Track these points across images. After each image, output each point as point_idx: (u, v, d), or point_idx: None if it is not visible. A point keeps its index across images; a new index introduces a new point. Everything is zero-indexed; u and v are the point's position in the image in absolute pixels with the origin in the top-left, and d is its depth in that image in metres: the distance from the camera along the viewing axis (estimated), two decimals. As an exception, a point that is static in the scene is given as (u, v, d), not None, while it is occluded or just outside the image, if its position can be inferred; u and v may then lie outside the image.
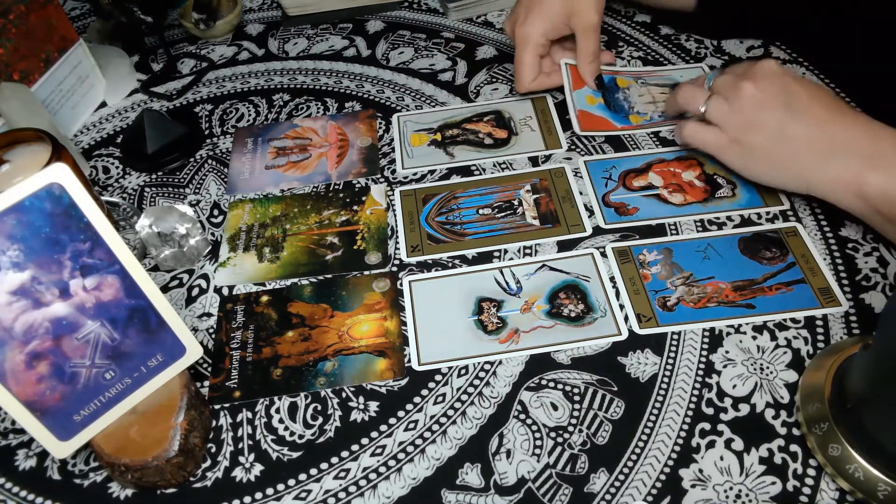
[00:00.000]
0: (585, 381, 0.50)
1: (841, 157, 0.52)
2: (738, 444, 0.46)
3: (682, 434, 0.47)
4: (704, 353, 0.51)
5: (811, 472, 0.45)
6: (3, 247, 0.40)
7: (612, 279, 0.56)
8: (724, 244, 0.57)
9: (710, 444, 0.46)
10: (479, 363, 0.52)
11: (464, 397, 0.50)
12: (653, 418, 0.48)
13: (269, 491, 0.47)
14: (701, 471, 0.45)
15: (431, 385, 0.51)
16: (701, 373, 0.50)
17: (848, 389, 0.43)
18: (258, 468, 0.48)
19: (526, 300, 0.55)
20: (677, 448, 0.46)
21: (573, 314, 0.54)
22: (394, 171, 0.66)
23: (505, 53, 0.78)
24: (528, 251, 0.58)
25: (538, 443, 0.47)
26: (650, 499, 0.44)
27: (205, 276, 0.59)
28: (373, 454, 0.48)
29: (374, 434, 0.49)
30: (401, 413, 0.50)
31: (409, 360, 0.52)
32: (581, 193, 0.62)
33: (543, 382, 0.50)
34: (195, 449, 0.47)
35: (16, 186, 0.40)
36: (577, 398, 0.49)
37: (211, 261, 0.61)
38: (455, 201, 0.63)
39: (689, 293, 0.54)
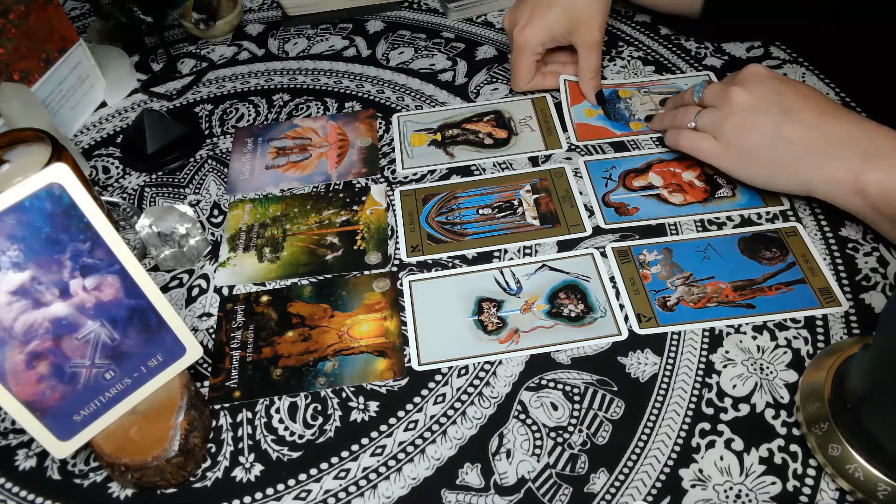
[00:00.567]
0: (585, 381, 0.50)
1: (839, 156, 0.52)
2: (738, 444, 0.46)
3: (682, 434, 0.47)
4: (704, 353, 0.51)
5: (811, 472, 0.45)
6: (3, 247, 0.40)
7: (612, 279, 0.56)
8: (724, 244, 0.57)
9: (710, 444, 0.46)
10: (479, 363, 0.52)
11: (464, 397, 0.50)
12: (653, 418, 0.48)
13: (269, 491, 0.47)
14: (701, 471, 0.45)
15: (431, 385, 0.51)
16: (701, 373, 0.50)
17: (848, 389, 0.43)
18: (258, 468, 0.48)
19: (526, 300, 0.55)
20: (677, 448, 0.46)
21: (573, 314, 0.54)
22: (394, 171, 0.66)
23: (505, 53, 0.78)
24: (528, 251, 0.58)
25: (538, 443, 0.47)
26: (650, 499, 0.44)
27: (205, 276, 0.59)
28: (373, 454, 0.48)
29: (374, 434, 0.49)
30: (401, 413, 0.50)
31: (409, 360, 0.52)
32: (581, 193, 0.62)
33: (543, 382, 0.50)
34: (195, 449, 0.47)
35: (16, 186, 0.40)
36: (577, 398, 0.49)
37: (211, 261, 0.61)
38: (455, 201, 0.63)
39: (689, 293, 0.54)
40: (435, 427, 0.49)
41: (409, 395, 0.51)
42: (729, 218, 0.59)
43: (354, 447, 0.48)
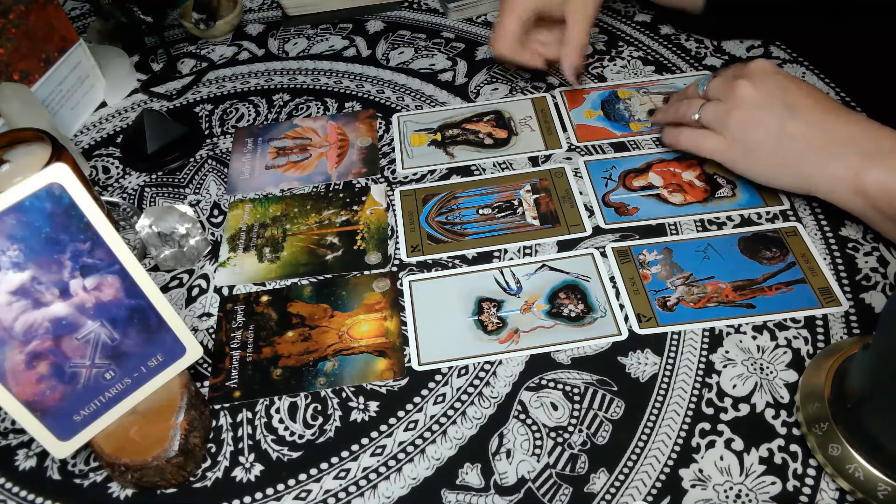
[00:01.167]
0: (585, 381, 0.50)
1: (841, 155, 0.52)
2: (738, 444, 0.46)
3: (682, 434, 0.47)
4: (704, 353, 0.51)
5: (811, 472, 0.45)
6: (3, 247, 0.40)
7: (612, 279, 0.56)
8: (724, 244, 0.57)
9: (710, 444, 0.46)
10: (479, 363, 0.52)
11: (464, 397, 0.50)
12: (653, 418, 0.48)
13: (269, 491, 0.47)
14: (701, 471, 0.45)
15: (431, 385, 0.51)
16: (701, 373, 0.50)
17: (848, 389, 0.43)
18: (258, 468, 0.48)
19: (526, 300, 0.55)
20: (677, 448, 0.46)
21: (573, 314, 0.54)
22: (394, 171, 0.66)
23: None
24: (528, 251, 0.58)
25: (538, 443, 0.47)
26: (650, 499, 0.44)
27: (205, 276, 0.59)
28: (373, 454, 0.48)
29: (374, 434, 0.49)
30: (401, 413, 0.50)
31: (409, 360, 0.52)
32: (581, 193, 0.62)
33: (543, 382, 0.50)
34: (195, 449, 0.47)
35: (16, 186, 0.40)
36: (577, 398, 0.49)
37: (211, 261, 0.61)
38: (455, 201, 0.63)
39: (689, 293, 0.54)
40: (435, 427, 0.49)
41: (409, 395, 0.51)
42: (729, 218, 0.59)
43: (354, 447, 0.48)
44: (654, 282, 0.55)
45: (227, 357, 0.54)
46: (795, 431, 0.46)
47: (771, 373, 0.49)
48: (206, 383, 0.52)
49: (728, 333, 0.52)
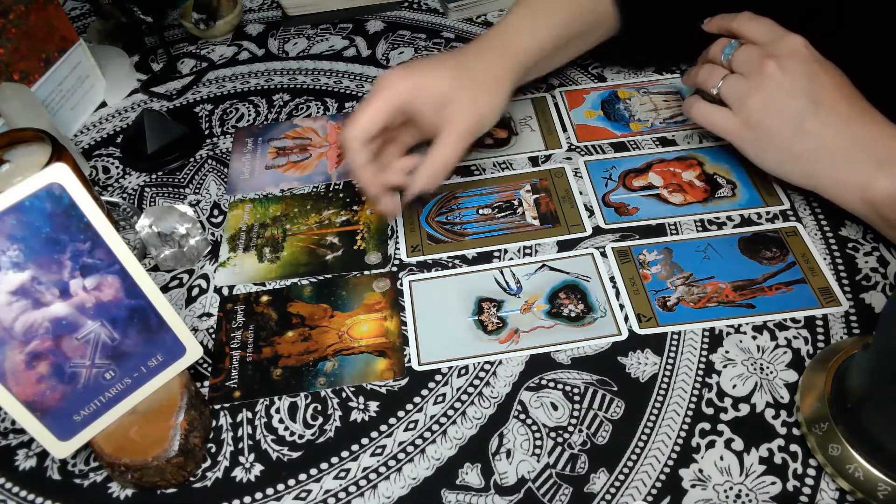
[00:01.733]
0: (585, 381, 0.50)
1: (853, 160, 0.51)
2: (738, 444, 0.46)
3: (682, 434, 0.47)
4: (704, 353, 0.51)
5: (811, 472, 0.45)
6: (3, 247, 0.40)
7: (612, 279, 0.56)
8: (724, 244, 0.57)
9: (710, 444, 0.46)
10: (479, 363, 0.52)
11: (464, 397, 0.50)
12: (653, 418, 0.48)
13: (269, 491, 0.47)
14: (701, 471, 0.45)
15: (431, 385, 0.51)
16: (701, 373, 0.50)
17: (848, 389, 0.43)
18: (258, 468, 0.48)
19: (526, 300, 0.55)
20: (677, 448, 0.46)
21: (573, 314, 0.54)
22: (394, 171, 0.66)
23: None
24: (528, 251, 0.58)
25: (538, 443, 0.47)
26: (650, 499, 0.44)
27: (205, 276, 0.59)
28: (373, 454, 0.48)
29: (374, 434, 0.49)
30: (401, 413, 0.50)
31: (409, 360, 0.52)
32: (581, 193, 0.62)
33: (543, 382, 0.50)
34: (195, 449, 0.47)
35: (16, 186, 0.40)
36: (577, 398, 0.49)
37: (211, 261, 0.61)
38: (455, 201, 0.63)
39: (689, 293, 0.54)
40: (435, 427, 0.49)
41: (409, 395, 0.51)
42: (729, 218, 0.59)
43: (354, 447, 0.48)
44: (654, 282, 0.55)
45: (227, 357, 0.54)
46: (795, 431, 0.46)
47: (771, 373, 0.49)
48: (206, 383, 0.52)
49: (728, 333, 0.52)
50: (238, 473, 0.48)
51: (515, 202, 0.62)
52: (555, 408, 0.49)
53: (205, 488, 0.47)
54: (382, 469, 0.47)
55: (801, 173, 0.54)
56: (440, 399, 0.50)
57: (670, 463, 0.46)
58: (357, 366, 0.52)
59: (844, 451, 0.42)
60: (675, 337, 0.52)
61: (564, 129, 0.68)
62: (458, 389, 0.51)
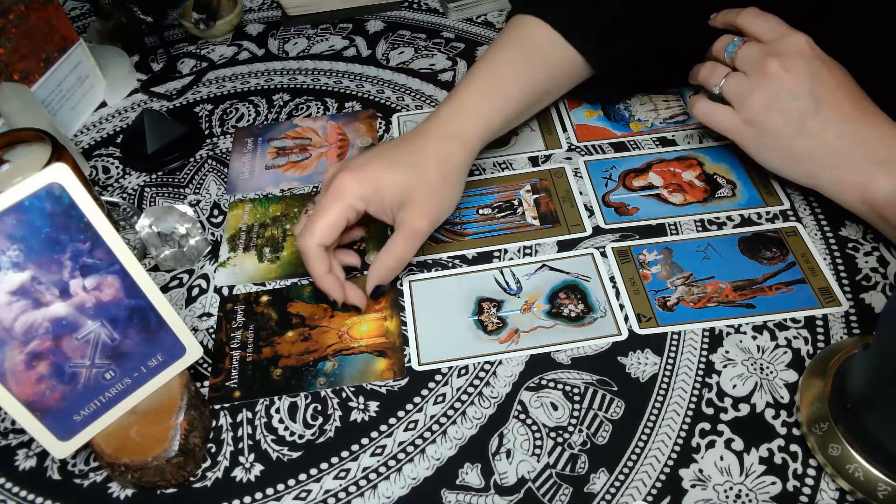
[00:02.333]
0: (585, 381, 0.50)
1: (854, 161, 0.51)
2: (738, 444, 0.46)
3: (682, 434, 0.47)
4: (704, 353, 0.51)
5: (811, 472, 0.45)
6: (3, 247, 0.40)
7: (612, 279, 0.56)
8: (724, 244, 0.57)
9: (710, 444, 0.46)
10: (479, 363, 0.52)
11: (464, 397, 0.50)
12: (653, 418, 0.48)
13: (269, 491, 0.47)
14: (701, 471, 0.45)
15: (431, 385, 0.51)
16: (701, 373, 0.50)
17: (848, 389, 0.43)
18: (258, 468, 0.48)
19: (526, 300, 0.55)
20: (677, 448, 0.46)
21: (573, 314, 0.54)
22: (394, 171, 0.66)
23: (505, 53, 0.78)
24: (528, 251, 0.58)
25: (538, 443, 0.47)
26: (650, 499, 0.44)
27: (205, 276, 0.59)
28: (373, 454, 0.48)
29: (374, 434, 0.49)
30: (401, 413, 0.50)
31: (409, 360, 0.52)
32: (581, 193, 0.62)
33: (543, 382, 0.50)
34: (195, 449, 0.47)
35: (16, 186, 0.40)
36: (577, 398, 0.49)
37: (211, 261, 0.61)
38: (455, 201, 0.63)
39: (689, 293, 0.54)
40: (435, 427, 0.49)
41: (409, 395, 0.51)
42: (729, 218, 0.59)
43: (354, 447, 0.48)
44: (654, 282, 0.55)
45: (227, 357, 0.54)
46: (795, 431, 0.46)
47: (771, 373, 0.49)
48: (206, 383, 0.52)
49: (728, 333, 0.52)
50: (238, 473, 0.48)
51: (515, 202, 0.62)
52: (555, 408, 0.49)
53: (205, 488, 0.47)
54: (382, 469, 0.47)
55: (802, 172, 0.54)
56: (440, 399, 0.50)
57: (670, 463, 0.46)
58: (357, 366, 0.52)
59: (844, 452, 0.43)
60: (675, 337, 0.52)
61: (564, 129, 0.68)
62: (458, 389, 0.51)
